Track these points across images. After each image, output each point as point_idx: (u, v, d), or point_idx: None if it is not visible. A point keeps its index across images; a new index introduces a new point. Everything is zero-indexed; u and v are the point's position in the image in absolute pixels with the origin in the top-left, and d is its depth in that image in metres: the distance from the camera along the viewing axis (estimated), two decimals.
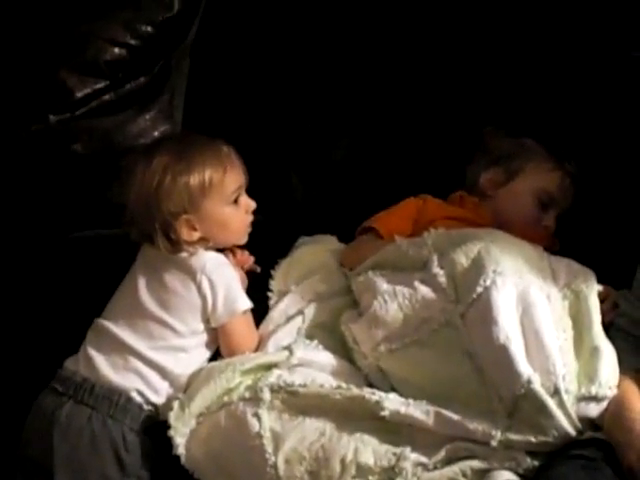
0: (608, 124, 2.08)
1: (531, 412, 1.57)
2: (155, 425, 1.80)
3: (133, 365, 1.79)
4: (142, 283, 1.83)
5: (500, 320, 1.64)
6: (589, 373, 1.63)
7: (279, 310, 1.92)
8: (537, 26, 2.13)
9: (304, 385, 1.70)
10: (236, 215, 1.86)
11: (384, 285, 1.81)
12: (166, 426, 1.74)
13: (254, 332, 1.87)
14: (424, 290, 1.77)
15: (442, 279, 1.76)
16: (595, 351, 1.66)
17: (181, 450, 1.70)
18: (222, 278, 1.81)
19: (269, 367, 1.76)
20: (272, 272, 1.99)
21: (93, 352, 1.80)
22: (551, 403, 1.57)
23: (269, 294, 1.97)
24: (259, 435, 1.65)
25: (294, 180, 2.24)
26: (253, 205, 1.88)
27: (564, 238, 2.03)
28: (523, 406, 1.58)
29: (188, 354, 1.81)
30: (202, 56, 2.28)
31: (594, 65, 2.10)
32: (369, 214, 2.07)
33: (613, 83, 2.08)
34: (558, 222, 2.04)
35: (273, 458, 1.63)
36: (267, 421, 1.67)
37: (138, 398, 1.78)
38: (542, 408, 1.56)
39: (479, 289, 1.69)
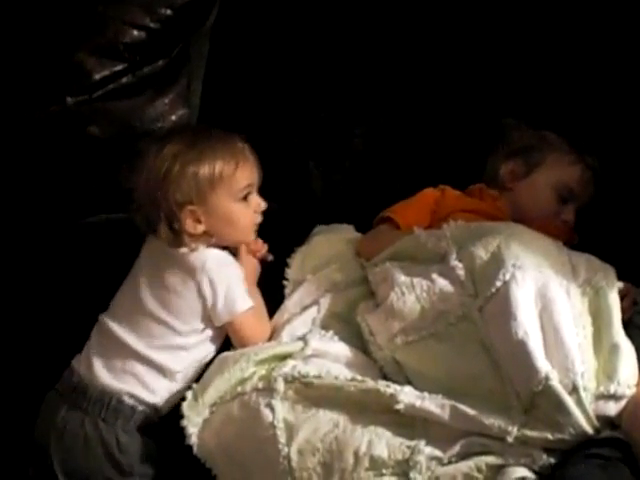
0: (629, 117, 2.05)
1: (548, 409, 1.55)
2: (155, 425, 1.81)
3: (130, 367, 1.78)
4: (144, 281, 1.82)
5: (519, 315, 1.62)
6: (608, 371, 1.61)
7: (294, 299, 1.91)
8: (558, 16, 2.11)
9: (319, 376, 1.68)
10: (244, 213, 1.83)
11: (402, 277, 1.79)
12: (166, 423, 1.76)
13: (263, 324, 1.86)
14: (442, 283, 1.75)
15: (460, 272, 1.74)
16: (614, 349, 1.64)
17: (194, 440, 1.70)
18: (223, 277, 1.79)
19: (283, 357, 1.75)
20: (288, 261, 1.98)
21: (94, 354, 1.80)
22: (569, 401, 1.55)
23: (285, 283, 1.95)
24: (272, 426, 1.64)
25: (311, 168, 2.22)
26: (263, 205, 1.86)
27: (584, 234, 2.01)
28: (540, 403, 1.56)
29: (189, 352, 1.80)
30: (221, 40, 2.26)
31: (616, 57, 2.07)
32: (387, 203, 2.05)
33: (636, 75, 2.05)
34: (578, 217, 2.02)
35: (286, 449, 1.62)
36: (280, 412, 1.66)
37: (130, 400, 1.77)
38: (560, 405, 1.55)
39: (498, 283, 1.67)
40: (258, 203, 1.85)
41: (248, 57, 2.25)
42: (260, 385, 1.70)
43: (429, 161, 2.17)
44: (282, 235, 1.99)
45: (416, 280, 1.77)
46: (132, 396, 1.77)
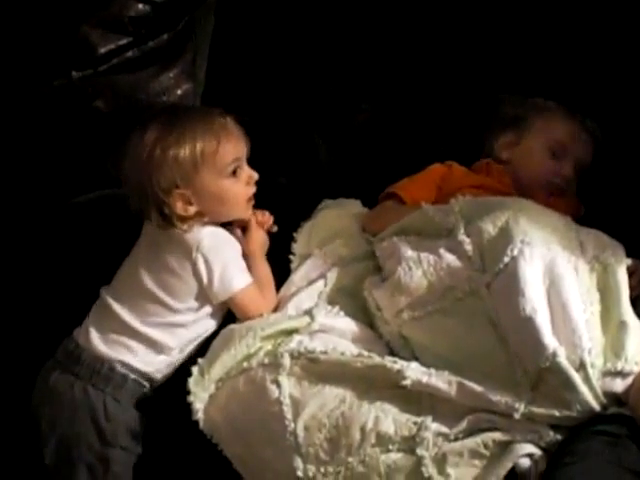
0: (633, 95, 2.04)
1: (555, 385, 1.55)
2: (152, 400, 1.81)
3: (123, 339, 1.78)
4: (142, 259, 1.83)
5: (527, 291, 1.62)
6: (616, 348, 1.60)
7: (301, 273, 1.90)
8: None
9: (325, 352, 1.68)
10: (234, 188, 1.80)
11: (409, 251, 1.79)
12: (161, 398, 1.78)
13: (268, 296, 1.84)
14: (449, 258, 1.75)
15: (468, 247, 1.73)
16: (622, 326, 1.63)
17: (200, 415, 1.69)
18: (219, 256, 1.78)
19: (290, 332, 1.75)
20: (294, 235, 1.97)
21: (91, 324, 1.81)
22: (576, 377, 1.54)
23: (291, 257, 1.95)
24: (278, 401, 1.64)
25: (318, 143, 2.21)
26: (255, 176, 1.83)
27: (591, 212, 2.00)
28: (547, 379, 1.55)
29: (186, 329, 1.80)
30: (227, 14, 2.24)
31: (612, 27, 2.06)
32: (393, 178, 2.04)
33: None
34: (585, 192, 2.02)
35: (292, 425, 1.62)
36: (287, 387, 1.65)
37: (122, 369, 1.77)
38: (567, 382, 1.54)
39: (506, 259, 1.66)
40: (249, 175, 1.82)
41: (254, 31, 2.24)
42: (266, 360, 1.70)
43: (435, 135, 2.17)
44: (289, 209, 1.98)
45: (423, 255, 1.77)
46: (124, 365, 1.77)
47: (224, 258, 1.78)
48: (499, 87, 2.13)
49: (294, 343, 1.70)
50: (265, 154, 2.05)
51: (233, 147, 1.79)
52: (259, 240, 1.88)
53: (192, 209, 1.76)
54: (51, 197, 2.12)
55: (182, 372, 1.77)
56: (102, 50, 2.12)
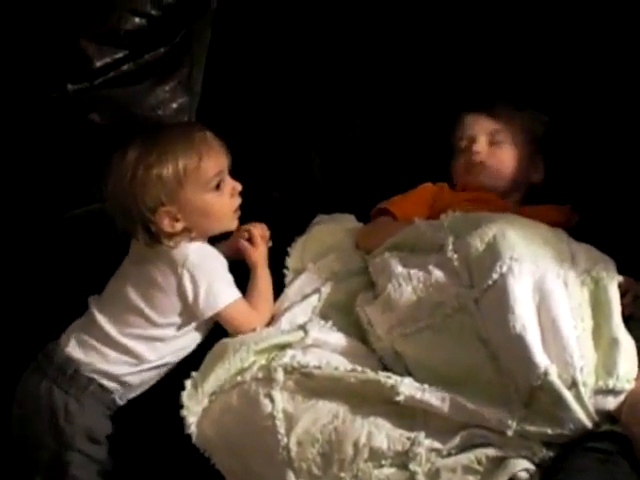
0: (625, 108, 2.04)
1: (547, 403, 1.55)
2: (123, 408, 1.83)
3: (100, 346, 1.79)
4: (129, 275, 1.84)
5: (516, 308, 1.61)
6: (607, 366, 1.59)
7: (295, 288, 1.91)
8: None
9: (318, 367, 1.68)
10: (219, 201, 1.81)
11: (399, 268, 1.79)
12: (131, 407, 1.80)
13: (259, 312, 1.84)
14: (438, 274, 1.75)
15: (456, 263, 1.73)
16: (614, 343, 1.62)
17: (193, 429, 1.70)
18: (205, 272, 1.78)
19: (283, 347, 1.75)
20: (289, 249, 1.98)
21: (73, 329, 1.83)
22: (568, 395, 1.54)
23: (285, 271, 1.95)
24: (271, 416, 1.64)
25: (313, 158, 2.22)
26: (238, 187, 1.84)
27: (585, 228, 1.98)
28: (539, 397, 1.55)
29: (165, 343, 1.81)
30: (223, 28, 2.24)
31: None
32: (387, 193, 2.06)
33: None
34: (579, 201, 2.03)
35: (285, 439, 1.62)
36: (280, 402, 1.65)
37: (88, 372, 1.78)
38: (559, 400, 1.54)
39: (495, 275, 1.66)
40: (232, 187, 1.83)
41: (250, 45, 2.23)
42: (260, 375, 1.70)
43: (429, 152, 2.16)
44: (283, 224, 1.98)
45: (413, 271, 1.77)
46: (91, 368, 1.78)
47: (210, 274, 1.79)
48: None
49: (287, 358, 1.71)
50: (259, 168, 2.08)
51: (215, 161, 1.80)
52: (262, 252, 1.90)
53: (179, 225, 1.76)
54: (45, 210, 2.13)
55: (172, 384, 1.77)
56: (98, 63, 2.11)
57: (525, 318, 1.60)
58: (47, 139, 2.12)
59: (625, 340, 1.63)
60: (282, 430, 1.63)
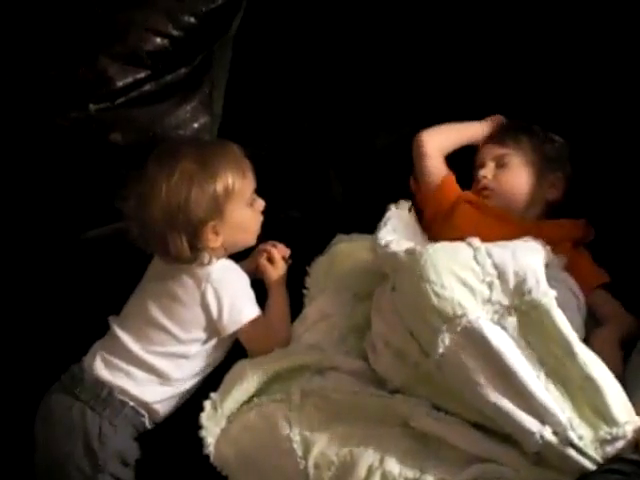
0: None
1: (555, 459, 1.53)
2: (150, 431, 1.83)
3: (125, 366, 1.81)
4: (151, 289, 1.86)
5: (479, 379, 1.57)
6: (600, 412, 1.54)
7: (315, 308, 1.91)
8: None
9: (335, 389, 1.69)
10: (254, 216, 1.88)
11: (381, 326, 1.75)
12: (167, 432, 1.80)
13: (276, 331, 1.86)
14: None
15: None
16: (590, 384, 1.55)
17: (211, 449, 1.71)
18: (228, 287, 1.81)
19: (301, 368, 1.76)
20: (308, 269, 1.99)
21: (97, 349, 1.84)
22: (571, 451, 1.52)
23: (304, 291, 1.96)
24: (289, 438, 1.65)
25: (332, 177, 2.22)
26: (263, 204, 1.89)
27: (602, 243, 2.00)
28: (546, 455, 1.54)
29: (189, 361, 1.82)
30: (244, 49, 2.25)
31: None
32: None
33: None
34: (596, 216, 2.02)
35: (303, 462, 1.62)
36: (297, 424, 1.66)
37: (120, 395, 1.79)
38: (564, 457, 1.52)
39: (441, 350, 1.61)
40: (261, 204, 1.89)
41: (270, 66, 2.25)
42: (278, 396, 1.71)
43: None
44: (302, 243, 1.99)
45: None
46: (123, 391, 1.79)
47: (233, 289, 1.82)
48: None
49: (305, 380, 1.72)
50: (279, 188, 2.08)
51: (252, 178, 1.86)
52: (281, 272, 1.93)
53: (220, 240, 1.81)
54: (67, 229, 2.14)
55: (191, 405, 1.79)
56: (120, 83, 2.12)
57: (490, 386, 1.56)
58: (68, 159, 2.13)
59: (600, 374, 1.57)
60: (300, 453, 1.63)
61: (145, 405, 1.81)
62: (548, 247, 1.77)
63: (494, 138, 2.10)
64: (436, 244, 1.71)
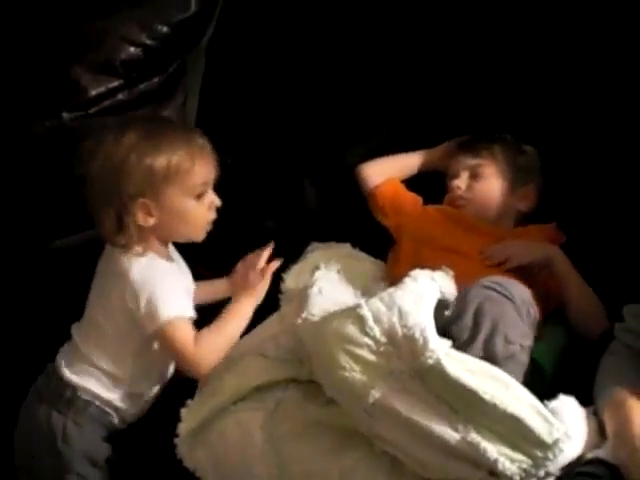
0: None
1: None
2: (122, 432, 1.82)
3: (84, 366, 1.78)
4: (92, 289, 1.82)
5: (403, 446, 1.56)
6: (531, 441, 1.51)
7: (292, 309, 1.87)
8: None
9: (310, 400, 1.69)
10: (197, 210, 1.77)
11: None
12: (134, 430, 1.80)
13: (200, 343, 1.75)
14: None
15: None
16: (508, 419, 1.51)
17: (183, 451, 1.71)
18: (148, 285, 1.72)
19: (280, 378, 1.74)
20: (283, 275, 1.99)
21: (62, 351, 1.83)
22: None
23: (280, 296, 1.96)
24: (263, 446, 1.65)
25: (307, 186, 2.23)
26: (217, 203, 1.80)
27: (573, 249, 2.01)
28: None
29: (135, 360, 1.78)
30: (217, 57, 2.27)
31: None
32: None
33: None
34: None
35: (275, 470, 1.63)
36: (272, 433, 1.66)
37: (84, 395, 1.78)
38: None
39: (365, 422, 1.59)
40: (212, 201, 1.79)
41: (244, 74, 2.26)
42: (254, 405, 1.71)
43: (424, 179, 2.18)
44: (277, 252, 1.99)
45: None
46: (86, 391, 1.77)
47: (155, 287, 1.72)
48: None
49: (281, 389, 1.72)
50: (253, 197, 2.09)
51: (206, 170, 1.77)
52: (263, 289, 1.86)
53: (151, 221, 1.73)
54: (36, 238, 2.15)
55: (167, 408, 1.79)
56: (93, 92, 2.13)
57: (415, 449, 1.55)
58: (41, 167, 2.13)
59: (514, 408, 1.52)
60: (274, 462, 1.63)
61: (109, 403, 1.79)
62: (439, 273, 1.75)
63: (467, 148, 2.11)
64: (325, 319, 1.69)
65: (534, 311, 1.74)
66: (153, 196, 1.72)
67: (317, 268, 1.92)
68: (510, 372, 1.59)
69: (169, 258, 1.82)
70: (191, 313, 1.77)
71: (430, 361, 1.54)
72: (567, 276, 1.93)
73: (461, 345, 1.64)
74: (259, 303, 1.84)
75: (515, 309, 1.69)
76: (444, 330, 1.67)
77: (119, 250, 1.75)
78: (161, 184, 1.72)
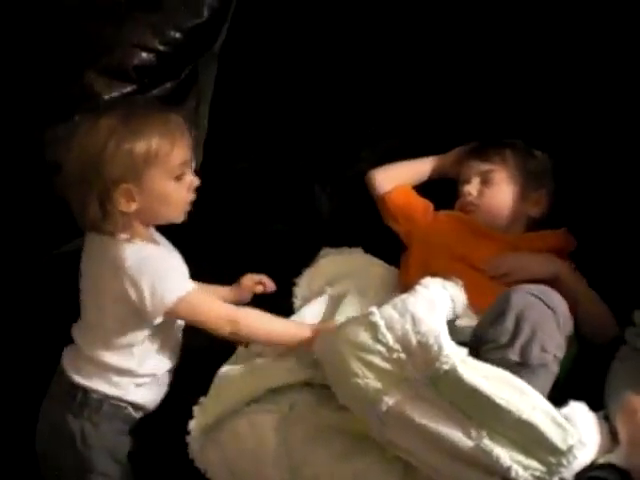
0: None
1: None
2: (141, 422, 1.82)
3: (88, 367, 1.78)
4: (83, 290, 1.81)
5: (415, 452, 1.56)
6: (545, 447, 1.51)
7: (312, 311, 1.91)
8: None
9: (324, 404, 1.69)
10: (178, 191, 1.75)
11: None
12: (153, 421, 1.79)
13: (213, 303, 1.78)
14: None
15: None
16: (522, 425, 1.51)
17: (196, 454, 1.71)
18: (145, 273, 1.70)
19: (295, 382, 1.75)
20: (296, 280, 2.00)
21: (66, 353, 1.83)
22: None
23: (294, 300, 1.98)
24: (275, 449, 1.66)
25: (317, 191, 2.23)
26: (196, 182, 1.78)
27: (584, 254, 2.02)
28: None
29: (139, 347, 1.77)
30: (229, 63, 2.28)
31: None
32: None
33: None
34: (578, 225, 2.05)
35: (287, 474, 1.64)
36: (285, 436, 1.66)
37: (95, 394, 1.77)
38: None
39: (376, 428, 1.59)
40: (191, 181, 1.77)
41: (256, 79, 2.26)
42: (268, 407, 1.71)
43: (434, 183, 2.19)
44: (287, 256, 2.00)
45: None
46: (95, 390, 1.77)
47: (152, 274, 1.71)
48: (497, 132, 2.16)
49: (296, 392, 1.72)
50: (263, 201, 2.10)
51: (184, 151, 1.76)
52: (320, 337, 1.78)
53: (134, 206, 1.71)
54: (45, 243, 2.15)
55: (182, 404, 1.78)
56: (106, 97, 2.14)
57: (429, 457, 1.55)
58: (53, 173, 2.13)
59: (528, 414, 1.52)
60: (284, 463, 1.64)
61: (121, 399, 1.79)
62: (449, 282, 1.75)
63: (478, 154, 2.11)
64: (338, 327, 1.69)
65: (570, 325, 1.73)
66: (135, 181, 1.70)
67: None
68: (541, 380, 1.61)
69: (154, 241, 1.81)
70: (194, 285, 1.76)
71: (445, 367, 1.54)
72: (575, 290, 1.91)
73: (499, 347, 1.64)
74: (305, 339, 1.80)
75: (555, 320, 1.68)
76: (476, 332, 1.69)
77: (107, 240, 1.74)
78: (142, 168, 1.70)
